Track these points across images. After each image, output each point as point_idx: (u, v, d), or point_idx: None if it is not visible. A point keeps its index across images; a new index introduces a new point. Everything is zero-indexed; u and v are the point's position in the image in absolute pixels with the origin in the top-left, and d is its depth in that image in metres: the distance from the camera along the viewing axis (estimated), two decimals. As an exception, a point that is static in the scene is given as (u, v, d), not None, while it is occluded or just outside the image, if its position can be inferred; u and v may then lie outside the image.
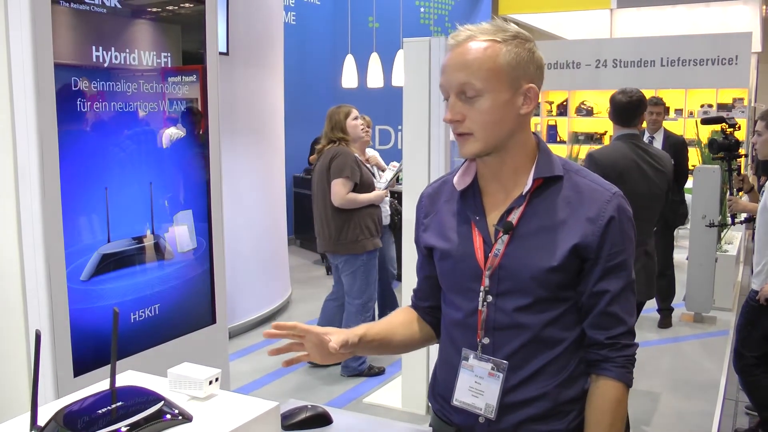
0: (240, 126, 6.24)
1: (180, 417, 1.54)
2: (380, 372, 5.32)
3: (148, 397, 1.59)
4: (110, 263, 2.48)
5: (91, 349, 2.44)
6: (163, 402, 1.55)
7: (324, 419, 1.86)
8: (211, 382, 1.68)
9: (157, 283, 2.68)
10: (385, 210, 5.77)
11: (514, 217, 1.66)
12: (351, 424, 1.87)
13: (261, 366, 5.41)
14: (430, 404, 1.86)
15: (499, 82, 1.60)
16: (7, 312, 2.34)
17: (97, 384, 1.73)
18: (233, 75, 6.11)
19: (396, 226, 5.85)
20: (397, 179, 5.68)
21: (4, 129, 2.28)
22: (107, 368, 2.40)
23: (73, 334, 2.36)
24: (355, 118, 5.24)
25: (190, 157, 2.82)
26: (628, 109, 3.84)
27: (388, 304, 6.02)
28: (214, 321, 2.98)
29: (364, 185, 5.09)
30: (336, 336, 1.70)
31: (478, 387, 1.70)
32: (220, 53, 5.97)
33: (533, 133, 1.73)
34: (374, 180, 5.32)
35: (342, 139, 5.14)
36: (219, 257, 2.97)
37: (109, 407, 1.54)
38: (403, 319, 1.92)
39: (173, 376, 1.70)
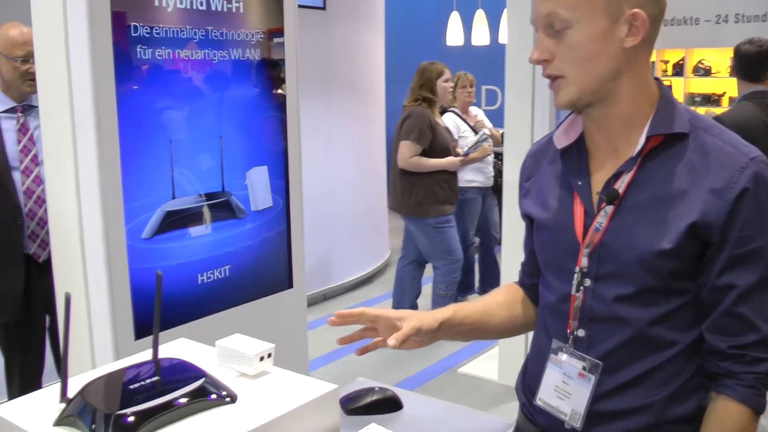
0: (337, 84, 6.09)
1: (222, 397, 1.36)
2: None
3: (188, 373, 1.41)
4: (175, 221, 2.33)
5: (153, 312, 2.29)
6: (204, 379, 1.37)
7: (393, 404, 1.65)
8: (262, 358, 1.49)
9: (227, 243, 2.52)
10: (488, 171, 5.59)
11: (621, 184, 1.35)
12: (422, 411, 1.65)
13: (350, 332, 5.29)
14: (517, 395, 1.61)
15: (592, 8, 1.30)
16: (70, 270, 2.23)
17: (140, 354, 1.57)
18: (330, 30, 5.94)
19: (499, 188, 5.62)
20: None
21: (61, 79, 2.14)
22: (170, 331, 2.29)
23: (134, 294, 2.22)
24: (446, 80, 5.04)
25: (265, 111, 2.63)
26: (757, 61, 3.41)
27: (489, 270, 5.84)
28: (291, 285, 2.81)
29: (436, 150, 4.90)
30: (409, 322, 1.47)
31: (566, 388, 1.42)
32: (316, 7, 5.85)
33: (655, 78, 1.39)
34: (452, 145, 5.09)
35: (427, 100, 4.94)
36: (297, 217, 2.78)
37: (142, 382, 1.36)
38: (504, 298, 1.65)
39: (222, 349, 1.52)
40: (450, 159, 4.96)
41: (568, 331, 1.42)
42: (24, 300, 3.03)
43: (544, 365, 1.47)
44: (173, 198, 2.32)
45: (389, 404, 1.64)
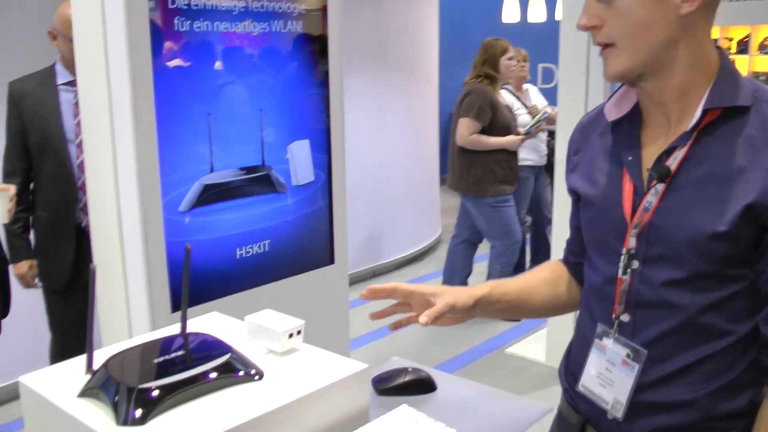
0: (390, 60, 6.03)
1: (248, 374, 1.33)
2: (517, 318, 5.07)
3: (215, 348, 1.38)
4: (213, 194, 2.30)
5: (192, 285, 2.27)
6: (230, 355, 1.34)
7: (426, 385, 1.60)
8: (291, 335, 1.45)
9: (267, 217, 2.49)
10: (542, 149, 5.51)
11: (674, 161, 1.25)
12: (457, 393, 1.59)
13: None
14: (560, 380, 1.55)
15: None
16: (108, 243, 2.22)
17: (170, 327, 1.55)
18: (383, 5, 5.88)
19: (552, 166, 5.53)
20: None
21: (98, 53, 2.13)
22: (209, 304, 2.28)
23: (171, 267, 2.20)
24: (510, 58, 4.94)
25: (307, 84, 2.58)
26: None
27: (542, 251, 5.78)
28: (332, 261, 2.77)
29: (496, 128, 4.81)
30: (443, 298, 1.42)
31: (609, 375, 1.35)
32: (367, -20, 5.80)
33: (717, 47, 1.29)
34: (513, 124, 4.99)
35: (489, 77, 4.86)
36: (339, 192, 2.74)
37: (167, 356, 1.34)
38: (546, 276, 1.58)
39: (251, 324, 1.49)
40: (510, 138, 4.87)
41: (613, 315, 1.34)
42: (74, 268, 3.09)
43: (588, 350, 1.40)
44: (211, 171, 2.29)
45: (422, 385, 1.59)
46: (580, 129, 1.50)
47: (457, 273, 5.29)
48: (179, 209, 2.22)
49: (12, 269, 3.07)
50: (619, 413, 1.32)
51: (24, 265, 3.10)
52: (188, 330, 1.50)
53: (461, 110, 4.84)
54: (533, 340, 4.78)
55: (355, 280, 6.09)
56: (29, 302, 3.29)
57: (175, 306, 2.21)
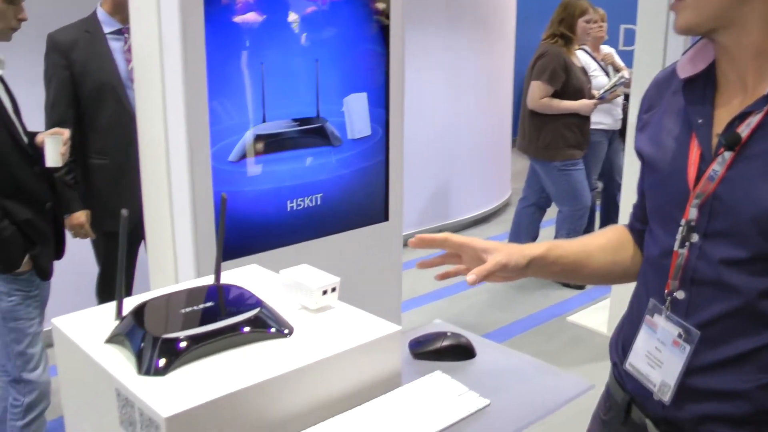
0: (464, 18, 5.91)
1: (277, 329, 1.29)
2: (580, 286, 4.95)
3: (245, 302, 1.35)
4: (265, 145, 2.26)
5: (240, 236, 2.26)
6: (260, 309, 1.31)
7: (464, 351, 1.54)
8: (325, 292, 1.41)
9: (320, 170, 2.44)
10: (617, 113, 5.33)
11: (747, 127, 1.14)
12: (496, 362, 1.53)
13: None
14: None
15: None
16: (157, 191, 2.22)
17: (204, 278, 1.53)
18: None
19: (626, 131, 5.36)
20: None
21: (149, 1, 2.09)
22: (256, 256, 2.25)
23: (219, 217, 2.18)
24: (588, 21, 4.78)
25: (366, 36, 2.51)
26: None
27: (610, 218, 5.64)
28: (386, 218, 2.71)
29: (569, 91, 4.66)
30: (494, 256, 1.34)
31: (658, 355, 1.25)
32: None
33: None
34: (587, 87, 4.81)
35: (565, 37, 4.70)
36: (397, 148, 2.68)
37: (195, 307, 1.31)
38: (607, 241, 1.47)
39: (286, 279, 1.45)
40: (583, 102, 4.72)
41: (666, 291, 1.24)
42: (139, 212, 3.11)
43: (639, 326, 1.31)
44: (263, 122, 2.25)
45: (460, 351, 1.53)
46: (655, 85, 1.39)
47: (522, 237, 5.20)
48: (229, 159, 2.19)
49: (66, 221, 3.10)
50: (666, 396, 1.23)
51: (81, 215, 3.12)
52: (223, 282, 1.48)
53: (534, 73, 4.71)
54: (596, 309, 4.66)
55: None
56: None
57: (223, 256, 2.19)
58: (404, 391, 1.30)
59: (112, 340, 1.27)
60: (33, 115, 2.91)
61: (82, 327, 1.34)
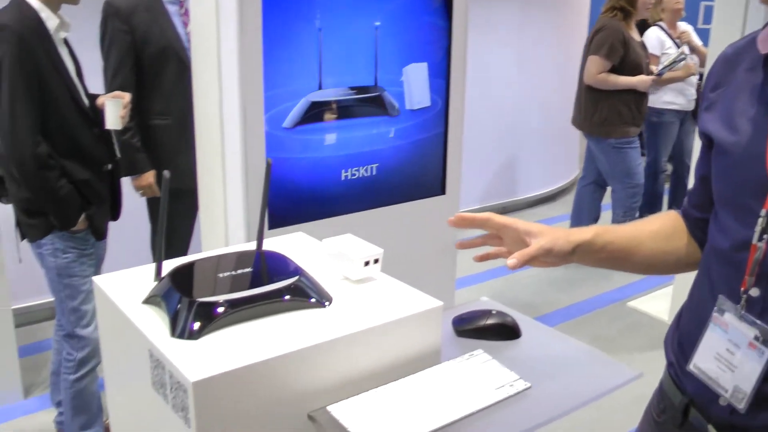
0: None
1: (315, 299, 1.26)
2: None
3: (285, 269, 1.32)
4: (320, 112, 2.23)
5: (292, 203, 2.24)
6: (299, 278, 1.28)
7: (509, 331, 1.49)
8: (367, 263, 1.38)
9: (376, 140, 2.40)
10: (690, 93, 5.15)
11: None
12: (541, 345, 1.47)
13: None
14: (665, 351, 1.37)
15: None
16: (210, 154, 2.21)
17: (247, 243, 1.51)
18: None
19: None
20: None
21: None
22: (308, 225, 2.23)
23: (271, 183, 2.15)
24: None
25: (428, 4, 2.44)
26: None
27: (679, 201, 5.46)
28: (443, 192, 2.66)
29: (627, 67, 4.52)
30: (538, 240, 1.27)
31: (730, 358, 1.16)
32: None
33: None
34: (646, 62, 4.65)
35: (624, 10, 4.54)
36: (456, 120, 2.62)
37: (234, 272, 1.29)
38: (660, 228, 1.38)
39: (329, 248, 1.42)
40: (641, 78, 4.56)
41: (742, 288, 1.14)
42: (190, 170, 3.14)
43: (703, 324, 1.21)
44: (320, 89, 2.22)
45: (505, 331, 1.48)
46: (723, 60, 1.28)
47: (584, 216, 5.09)
48: (283, 125, 2.16)
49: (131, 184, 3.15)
50: (742, 404, 1.13)
51: (150, 175, 3.17)
52: (266, 248, 1.45)
53: (591, 47, 4.58)
54: (658, 296, 4.54)
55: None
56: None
57: (272, 223, 2.18)
58: (442, 369, 1.27)
59: (149, 300, 1.27)
60: (94, 78, 2.94)
61: (121, 286, 1.34)
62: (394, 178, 2.48)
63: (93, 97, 2.62)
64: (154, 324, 1.19)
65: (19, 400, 3.25)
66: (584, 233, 1.31)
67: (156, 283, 1.30)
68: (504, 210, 6.14)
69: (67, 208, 2.44)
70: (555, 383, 1.29)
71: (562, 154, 6.64)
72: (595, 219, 5.13)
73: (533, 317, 1.59)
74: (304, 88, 2.18)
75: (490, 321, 1.49)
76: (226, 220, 2.16)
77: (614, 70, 4.53)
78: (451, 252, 2.75)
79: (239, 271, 1.30)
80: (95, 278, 1.39)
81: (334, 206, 2.34)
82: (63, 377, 2.69)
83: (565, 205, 6.34)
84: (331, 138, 2.28)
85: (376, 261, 1.39)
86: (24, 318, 3.79)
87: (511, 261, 1.25)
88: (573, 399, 1.24)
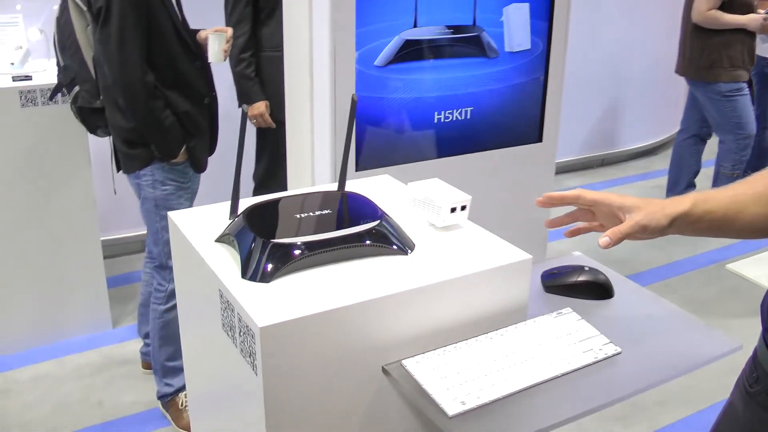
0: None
1: (396, 245, 1.20)
2: None
3: (366, 213, 1.26)
4: (414, 51, 2.13)
5: (382, 145, 2.17)
6: (379, 222, 1.22)
7: (601, 290, 1.39)
8: (454, 210, 1.30)
9: (472, 82, 2.29)
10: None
11: None
12: (635, 307, 1.37)
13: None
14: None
15: None
16: (299, 91, 2.15)
17: (329, 184, 1.45)
18: None
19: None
20: None
21: None
22: (397, 168, 2.16)
23: (360, 123, 2.09)
24: None
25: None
26: None
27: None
28: (540, 139, 2.54)
29: (736, 5, 4.17)
30: (632, 216, 1.17)
31: None
32: None
33: None
34: (756, 1, 4.31)
35: None
36: (558, 65, 2.48)
37: (311, 213, 1.24)
38: (763, 188, 1.22)
39: (414, 192, 1.35)
40: (751, 16, 4.23)
41: None
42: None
43: None
44: (414, 26, 2.12)
45: (597, 289, 1.38)
46: None
47: (683, 172, 4.84)
48: (375, 63, 2.08)
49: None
50: None
51: (262, 105, 3.22)
52: (348, 190, 1.39)
53: None
54: (759, 260, 4.30)
55: (582, 166, 5.78)
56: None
57: (359, 165, 2.12)
58: (527, 327, 1.19)
59: (222, 239, 1.23)
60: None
61: (196, 223, 1.30)
62: (489, 122, 2.37)
63: (193, 32, 2.62)
64: (226, 264, 1.15)
65: (108, 329, 3.34)
66: (681, 204, 1.19)
67: (230, 221, 1.26)
68: (603, 162, 5.93)
69: (171, 138, 2.45)
70: (647, 350, 1.19)
71: (666, 106, 6.34)
72: (694, 174, 4.88)
73: (626, 275, 1.48)
74: (399, 26, 2.09)
75: (581, 278, 1.39)
76: (313, 159, 2.11)
77: (722, 9, 4.23)
78: (546, 203, 2.64)
79: (317, 213, 1.24)
80: (170, 213, 1.36)
81: (424, 150, 2.26)
82: (152, 308, 2.73)
83: (666, 159, 6.07)
84: (425, 78, 2.19)
85: (463, 208, 1.31)
86: (111, 250, 3.88)
87: (604, 239, 1.18)
88: (665, 369, 1.14)
